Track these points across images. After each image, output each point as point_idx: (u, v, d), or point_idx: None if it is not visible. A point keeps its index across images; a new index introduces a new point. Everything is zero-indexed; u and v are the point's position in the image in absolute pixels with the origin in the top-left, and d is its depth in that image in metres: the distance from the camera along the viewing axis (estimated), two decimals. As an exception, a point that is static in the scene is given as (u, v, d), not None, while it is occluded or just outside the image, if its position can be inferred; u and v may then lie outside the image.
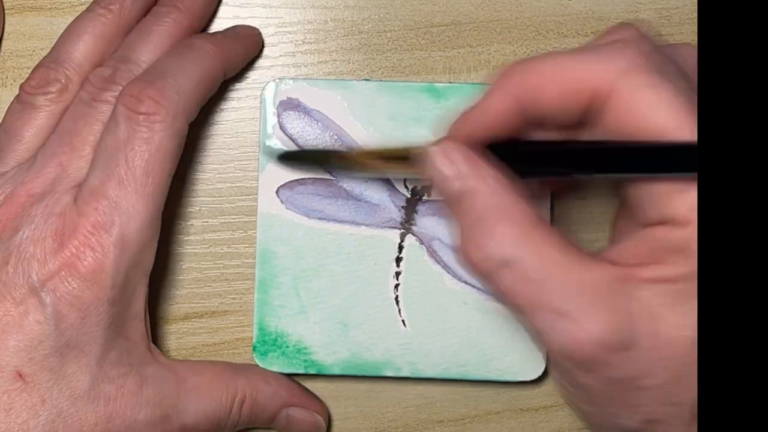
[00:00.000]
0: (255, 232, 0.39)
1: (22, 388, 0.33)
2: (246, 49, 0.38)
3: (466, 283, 0.38)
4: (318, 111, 0.38)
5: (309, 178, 0.38)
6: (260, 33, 0.39)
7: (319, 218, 0.38)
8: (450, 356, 0.38)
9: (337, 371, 0.38)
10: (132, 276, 0.34)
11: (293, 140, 0.38)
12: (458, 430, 0.39)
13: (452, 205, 0.31)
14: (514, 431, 0.39)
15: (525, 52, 0.39)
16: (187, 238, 0.39)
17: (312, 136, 0.38)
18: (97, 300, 0.33)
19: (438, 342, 0.38)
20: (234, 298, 0.39)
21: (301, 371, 0.38)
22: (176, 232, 0.39)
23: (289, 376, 0.38)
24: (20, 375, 0.33)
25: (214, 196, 0.39)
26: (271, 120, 0.38)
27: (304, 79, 0.38)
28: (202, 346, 0.39)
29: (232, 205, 0.39)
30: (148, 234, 0.34)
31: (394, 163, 0.34)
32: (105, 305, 0.34)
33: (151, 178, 0.34)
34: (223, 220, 0.39)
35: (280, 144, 0.38)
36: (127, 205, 0.34)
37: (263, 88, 0.38)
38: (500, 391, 0.39)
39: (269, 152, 0.38)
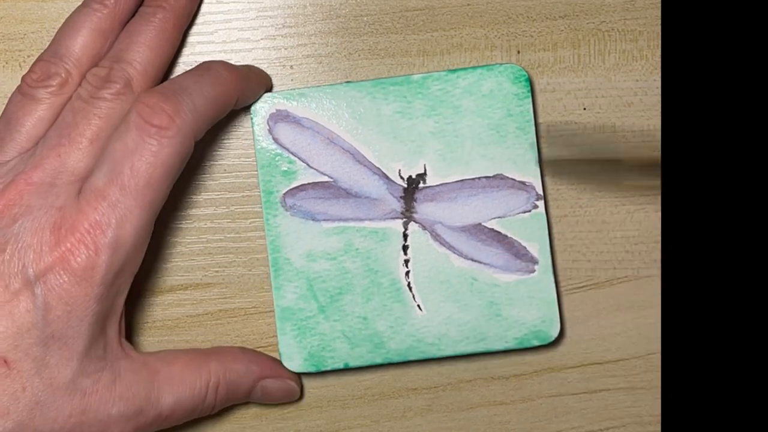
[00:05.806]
0: (237, 207, 0.40)
1: (6, 374, 0.34)
2: (258, 85, 0.39)
3: (472, 260, 0.39)
4: (307, 119, 0.39)
5: (309, 183, 0.39)
6: (271, 78, 0.40)
7: (325, 220, 0.39)
8: (468, 332, 0.39)
9: (363, 363, 0.39)
10: (119, 276, 0.35)
11: (287, 149, 0.39)
12: (431, 398, 0.40)
13: None
14: (485, 398, 0.40)
15: (496, 35, 0.40)
16: (171, 214, 0.40)
17: (305, 143, 0.39)
18: (85, 296, 0.34)
19: (455, 320, 0.39)
20: (217, 271, 0.41)
21: (329, 368, 0.39)
22: (162, 208, 0.40)
23: (319, 374, 0.40)
24: (5, 361, 0.34)
25: (199, 173, 0.41)
26: (264, 134, 0.39)
27: (289, 90, 0.39)
28: (187, 317, 0.41)
29: (215, 182, 0.40)
30: (140, 239, 0.36)
31: None
32: (92, 302, 0.35)
33: (151, 189, 0.35)
34: (206, 197, 0.41)
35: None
36: (125, 210, 0.35)
37: (253, 105, 0.39)
38: (471, 360, 0.40)
39: None
